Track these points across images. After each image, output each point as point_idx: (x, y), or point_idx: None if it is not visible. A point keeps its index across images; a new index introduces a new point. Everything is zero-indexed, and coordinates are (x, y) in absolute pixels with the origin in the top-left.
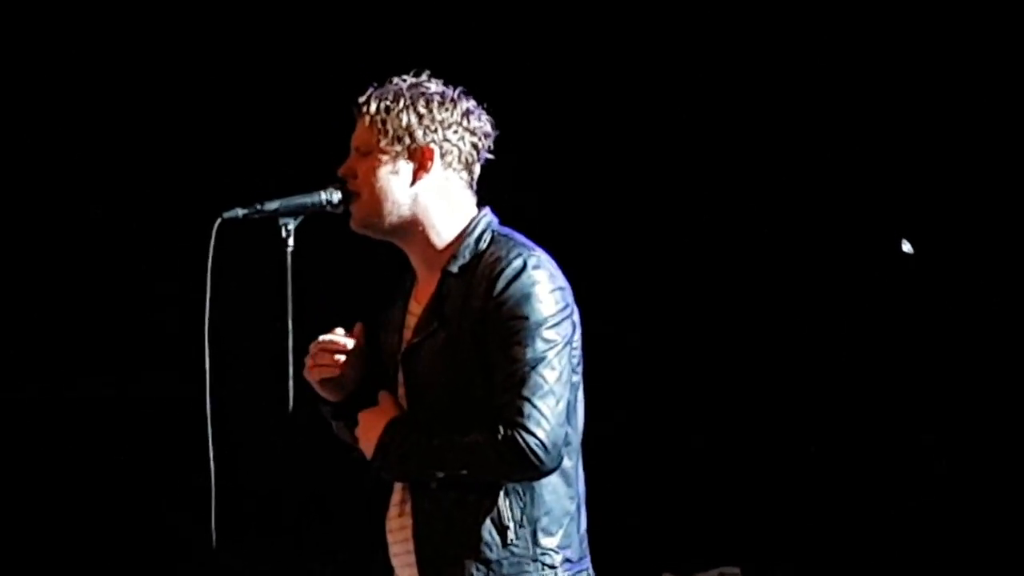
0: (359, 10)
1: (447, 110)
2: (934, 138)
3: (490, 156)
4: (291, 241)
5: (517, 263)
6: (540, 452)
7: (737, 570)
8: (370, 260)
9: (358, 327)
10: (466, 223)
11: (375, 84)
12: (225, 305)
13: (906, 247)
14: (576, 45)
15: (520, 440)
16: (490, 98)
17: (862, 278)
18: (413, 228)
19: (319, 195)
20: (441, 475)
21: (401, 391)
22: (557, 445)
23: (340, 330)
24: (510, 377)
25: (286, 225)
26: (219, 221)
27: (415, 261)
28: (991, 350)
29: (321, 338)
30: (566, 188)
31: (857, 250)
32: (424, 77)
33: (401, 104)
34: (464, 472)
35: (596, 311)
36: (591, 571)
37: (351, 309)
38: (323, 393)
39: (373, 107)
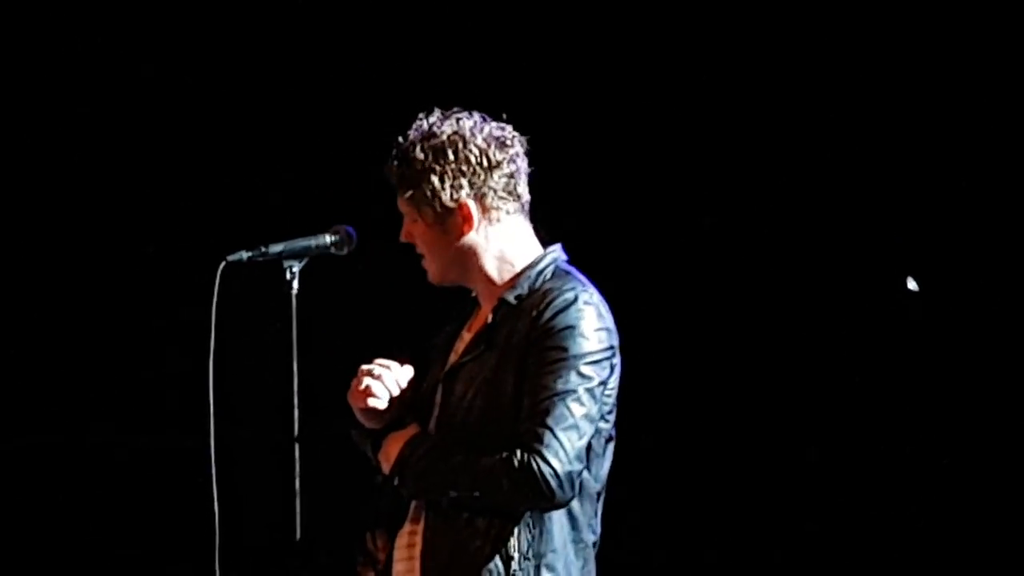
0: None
1: (465, 158)
2: (935, 142)
3: (530, 169)
4: (295, 284)
5: (569, 295)
6: (552, 482)
7: None
8: (375, 301)
9: (406, 361)
10: (531, 257)
11: (398, 140)
12: (230, 347)
13: (911, 284)
14: (574, 51)
15: (535, 468)
16: (490, 104)
17: (861, 284)
18: (478, 269)
19: (323, 238)
20: (454, 495)
21: (436, 411)
22: (571, 479)
23: (390, 361)
24: (537, 405)
25: (290, 268)
26: (223, 264)
27: (480, 294)
28: (989, 354)
29: (371, 366)
30: (564, 190)
31: (857, 257)
32: (436, 118)
33: (419, 168)
34: (476, 494)
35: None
36: None
37: (356, 351)
38: (362, 419)
39: (397, 181)
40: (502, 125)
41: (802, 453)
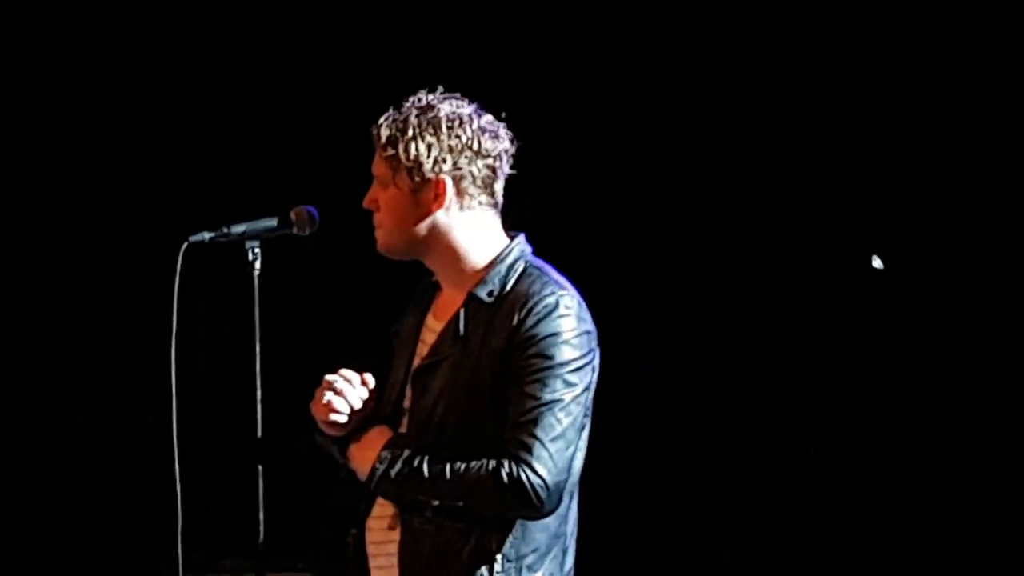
0: (356, 22)
1: (457, 136)
2: (919, 144)
3: (512, 172)
4: (258, 264)
5: (550, 300)
6: (542, 493)
7: None
8: (339, 282)
9: (368, 377)
10: (497, 249)
11: (392, 108)
12: (193, 328)
13: (876, 262)
14: (570, 55)
15: (525, 479)
16: (489, 105)
17: (855, 283)
18: (439, 252)
19: (285, 218)
20: (436, 503)
21: (407, 405)
22: (559, 489)
23: (352, 375)
24: (524, 414)
25: (252, 248)
26: (186, 245)
27: (440, 278)
28: (984, 352)
29: (335, 378)
30: (562, 193)
31: (847, 254)
32: (436, 96)
33: (410, 134)
34: (460, 503)
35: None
36: None
37: (319, 332)
38: (324, 428)
39: (384, 139)
40: (498, 122)
41: (786, 447)
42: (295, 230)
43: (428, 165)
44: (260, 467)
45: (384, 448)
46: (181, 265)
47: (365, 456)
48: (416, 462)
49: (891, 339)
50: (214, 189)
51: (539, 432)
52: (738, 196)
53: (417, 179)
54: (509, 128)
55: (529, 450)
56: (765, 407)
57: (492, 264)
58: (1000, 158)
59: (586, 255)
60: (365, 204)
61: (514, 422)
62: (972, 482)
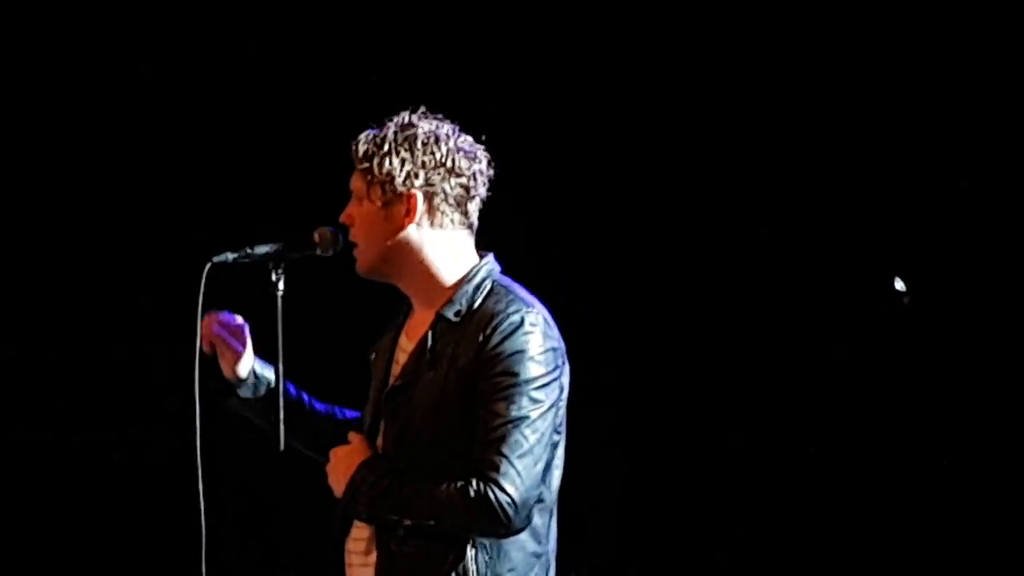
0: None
1: (431, 153)
2: (926, 141)
3: (487, 194)
4: (281, 285)
5: (515, 318)
6: (510, 511)
7: None
8: (360, 302)
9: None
10: (466, 269)
11: (373, 125)
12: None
13: (899, 285)
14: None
15: (492, 496)
16: (484, 108)
17: (857, 285)
18: (409, 270)
19: (308, 239)
20: (408, 523)
21: (382, 428)
22: (527, 506)
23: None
24: (491, 432)
25: (276, 269)
26: (209, 265)
27: (412, 299)
28: (984, 352)
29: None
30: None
31: (846, 256)
32: (417, 116)
33: (385, 149)
34: (431, 523)
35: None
36: None
37: (341, 351)
38: (223, 366)
39: (360, 153)
40: (477, 144)
41: (786, 447)
42: (319, 251)
43: (400, 179)
44: (282, 438)
45: (361, 467)
46: (204, 285)
47: (341, 472)
48: (390, 481)
49: (891, 339)
50: (234, 207)
51: (505, 449)
52: (735, 196)
53: (389, 194)
54: (489, 149)
55: (496, 468)
56: (765, 407)
57: (460, 283)
58: (1002, 162)
59: (571, 265)
60: (341, 219)
61: (481, 440)
62: (972, 482)
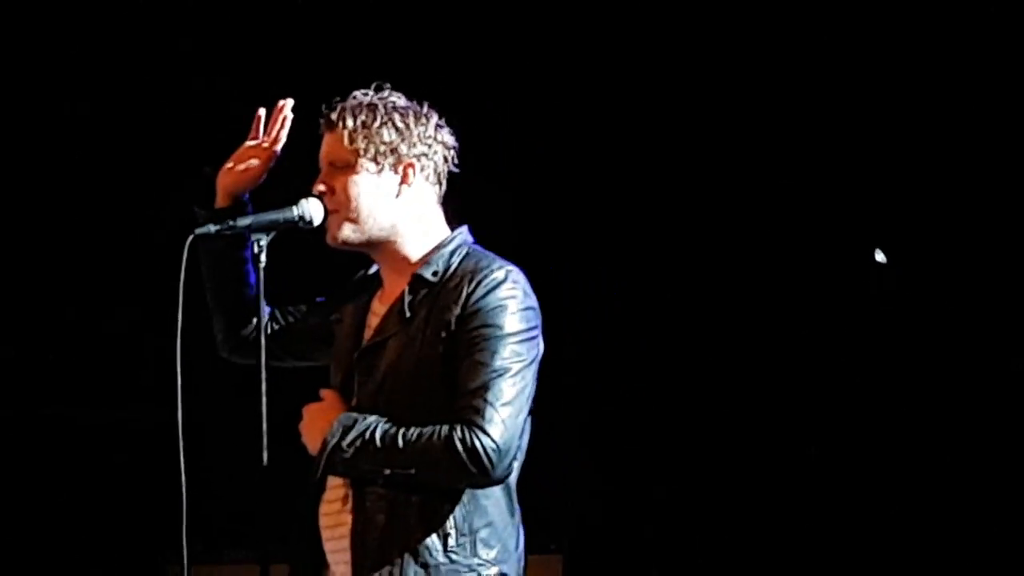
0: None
1: (423, 124)
2: (918, 133)
3: (455, 170)
4: (263, 257)
5: (499, 274)
6: (494, 457)
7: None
8: (343, 275)
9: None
10: (441, 236)
11: (339, 98)
12: (197, 320)
13: (879, 256)
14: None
15: (476, 442)
16: (484, 108)
17: (855, 281)
18: (390, 240)
19: (291, 211)
20: (388, 472)
21: (356, 386)
22: (510, 455)
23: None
24: (474, 381)
25: (258, 241)
26: (191, 237)
27: (385, 269)
28: (984, 352)
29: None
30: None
31: (848, 253)
32: (387, 91)
33: (380, 119)
34: (412, 471)
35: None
36: None
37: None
38: (228, 182)
39: (351, 123)
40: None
41: (786, 447)
42: (301, 223)
43: (403, 148)
44: (264, 458)
45: (337, 421)
46: (187, 258)
47: (315, 428)
48: (368, 432)
49: (891, 339)
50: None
51: (490, 397)
52: (732, 195)
53: (384, 164)
54: (489, 149)
55: (481, 414)
56: (764, 408)
57: (437, 248)
58: (1000, 156)
59: (571, 265)
60: (320, 189)
61: (464, 389)
62: (972, 482)
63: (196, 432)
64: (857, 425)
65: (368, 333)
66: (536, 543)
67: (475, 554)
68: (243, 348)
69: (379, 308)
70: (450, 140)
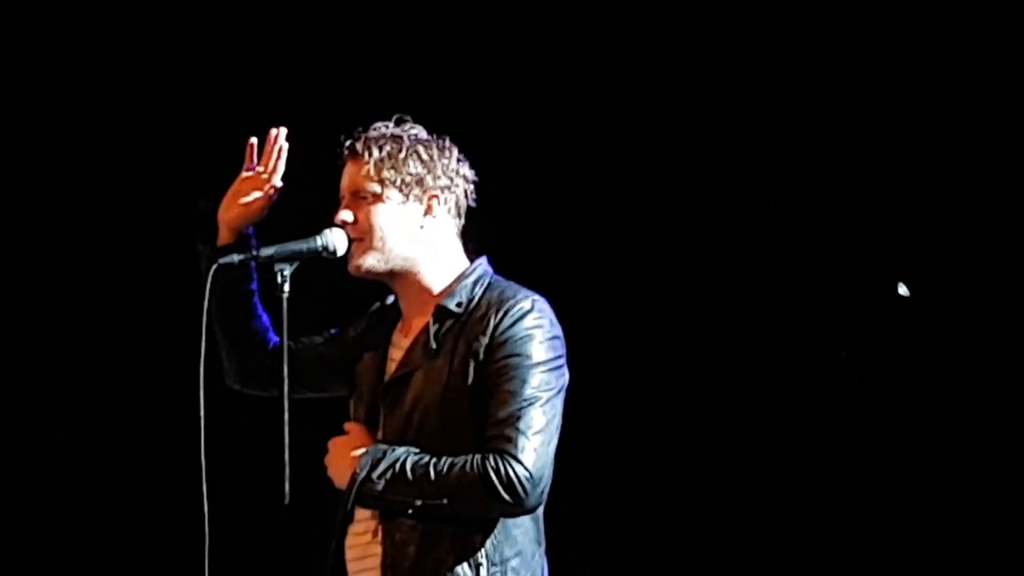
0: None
1: (446, 158)
2: (930, 145)
3: (474, 204)
4: (286, 287)
5: (525, 304)
6: (528, 485)
7: None
8: (362, 303)
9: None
10: (461, 268)
11: (360, 128)
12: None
13: (903, 290)
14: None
15: (511, 470)
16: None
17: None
18: (412, 271)
19: (315, 240)
20: (419, 504)
21: (381, 421)
22: (543, 483)
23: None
24: (504, 410)
25: (282, 271)
26: (215, 267)
27: (405, 300)
28: (983, 352)
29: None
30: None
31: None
32: (409, 123)
33: (405, 151)
34: (444, 501)
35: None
36: None
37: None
38: (231, 217)
39: (377, 153)
40: None
41: (786, 447)
42: (324, 253)
43: (429, 179)
44: (286, 494)
45: (366, 454)
46: (211, 288)
47: (343, 462)
48: (399, 464)
49: (891, 339)
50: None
51: (521, 426)
52: (732, 196)
53: (409, 195)
54: (488, 149)
55: (514, 443)
56: (765, 407)
57: (459, 279)
58: (1005, 165)
59: (571, 264)
60: (343, 219)
61: (495, 419)
62: (972, 482)
63: (219, 463)
64: (858, 426)
65: (391, 366)
66: None
67: None
68: (255, 379)
69: (401, 340)
70: (470, 174)
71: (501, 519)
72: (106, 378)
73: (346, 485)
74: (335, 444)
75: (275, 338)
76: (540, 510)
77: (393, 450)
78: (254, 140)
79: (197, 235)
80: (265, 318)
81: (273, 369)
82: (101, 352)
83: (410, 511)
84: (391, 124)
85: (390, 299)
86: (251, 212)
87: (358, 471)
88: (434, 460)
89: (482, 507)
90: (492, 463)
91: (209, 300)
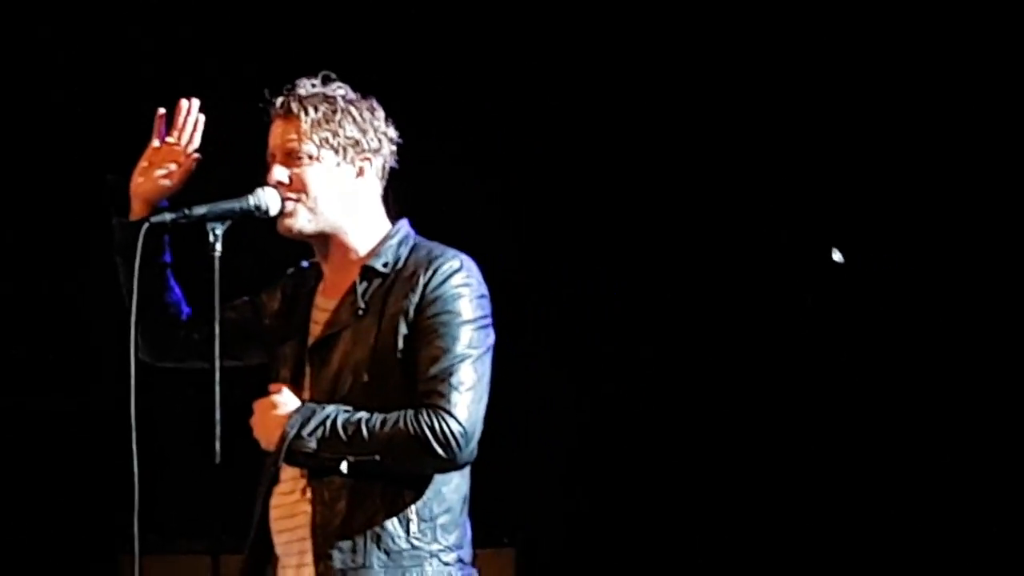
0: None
1: (377, 120)
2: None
3: (396, 167)
4: (219, 246)
5: (455, 263)
6: (461, 440)
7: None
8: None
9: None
10: (386, 229)
11: (288, 86)
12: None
13: (836, 256)
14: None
15: (444, 426)
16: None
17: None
18: (340, 233)
19: (247, 200)
20: (352, 460)
21: (307, 382)
22: (475, 438)
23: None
24: (436, 366)
25: (214, 230)
26: (146, 226)
27: (330, 262)
28: (983, 351)
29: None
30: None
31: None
32: (335, 81)
33: (340, 112)
34: (377, 457)
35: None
36: None
37: None
38: (146, 189)
39: (313, 114)
40: None
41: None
42: (256, 213)
43: (364, 144)
44: (217, 449)
45: (294, 414)
46: (142, 246)
47: (271, 423)
48: (330, 421)
49: (890, 339)
50: None
51: (453, 381)
52: (730, 195)
53: (343, 157)
54: (489, 149)
55: (446, 398)
56: (765, 407)
57: (383, 241)
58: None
59: (571, 264)
60: (276, 180)
61: (427, 376)
62: (972, 482)
63: (149, 422)
64: (858, 425)
65: (316, 328)
66: (488, 537)
67: (435, 540)
68: (169, 352)
69: (325, 302)
70: (395, 136)
71: (432, 477)
72: (37, 343)
73: (275, 445)
74: (261, 405)
75: (187, 310)
76: (468, 469)
77: (323, 408)
78: (162, 111)
79: (111, 208)
80: (178, 291)
81: (187, 341)
82: (32, 317)
83: (343, 468)
84: (318, 82)
85: (304, 263)
86: (167, 184)
87: (288, 429)
88: (366, 417)
89: (415, 462)
90: (426, 418)
91: (141, 260)
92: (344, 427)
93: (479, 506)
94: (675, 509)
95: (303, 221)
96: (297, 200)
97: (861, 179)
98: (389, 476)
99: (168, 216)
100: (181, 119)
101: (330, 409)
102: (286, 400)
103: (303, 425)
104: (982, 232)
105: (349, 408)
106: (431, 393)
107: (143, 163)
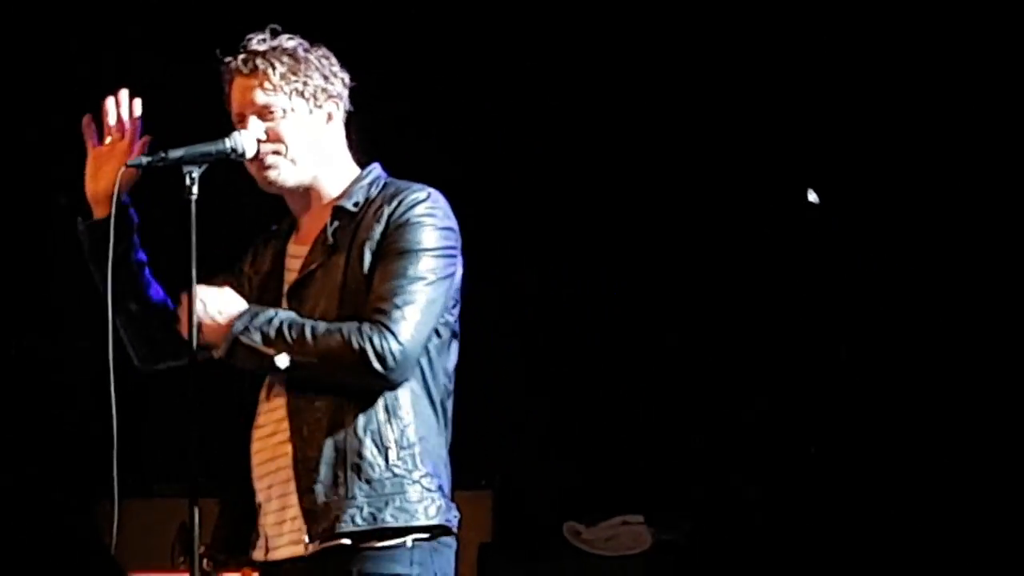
0: None
1: (334, 64)
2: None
3: (351, 110)
4: (195, 189)
5: (420, 194)
6: (398, 357)
7: (640, 518)
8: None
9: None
10: (356, 172)
11: (242, 45)
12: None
13: (812, 196)
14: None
15: (384, 342)
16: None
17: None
18: (316, 180)
19: (223, 143)
20: (289, 358)
21: None
22: (410, 361)
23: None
24: (388, 284)
25: (190, 173)
26: (122, 169)
27: (306, 211)
28: (982, 351)
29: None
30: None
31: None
32: (284, 34)
33: (304, 62)
34: (315, 361)
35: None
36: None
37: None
38: (102, 189)
39: (279, 68)
40: None
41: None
42: (233, 155)
43: (330, 90)
44: (193, 391)
45: (243, 311)
46: (118, 189)
47: (219, 325)
48: (276, 320)
49: (890, 339)
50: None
51: (399, 301)
52: (730, 195)
53: (313, 106)
54: (488, 149)
55: (388, 315)
56: (765, 407)
57: (354, 183)
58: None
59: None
60: (257, 138)
61: (376, 293)
62: (971, 482)
63: (126, 366)
64: (858, 425)
65: (290, 275)
66: (466, 479)
67: (415, 467)
68: (168, 351)
69: (297, 249)
70: (348, 78)
71: (407, 406)
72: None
73: (220, 338)
74: (210, 297)
75: (174, 306)
76: (450, 404)
77: (272, 309)
78: (88, 116)
79: (77, 217)
80: (159, 288)
81: (182, 337)
82: (5, 257)
83: (280, 363)
84: (268, 36)
85: (273, 227)
86: (124, 180)
87: (236, 323)
88: (312, 323)
89: (350, 373)
90: (367, 331)
91: (117, 206)
92: (289, 327)
93: (458, 450)
94: (648, 455)
95: (286, 174)
96: (276, 153)
97: (862, 179)
98: (329, 388)
99: (144, 159)
100: (112, 117)
101: (279, 311)
102: (236, 298)
103: (251, 319)
104: (983, 232)
105: (298, 315)
106: (377, 310)
107: (89, 169)
